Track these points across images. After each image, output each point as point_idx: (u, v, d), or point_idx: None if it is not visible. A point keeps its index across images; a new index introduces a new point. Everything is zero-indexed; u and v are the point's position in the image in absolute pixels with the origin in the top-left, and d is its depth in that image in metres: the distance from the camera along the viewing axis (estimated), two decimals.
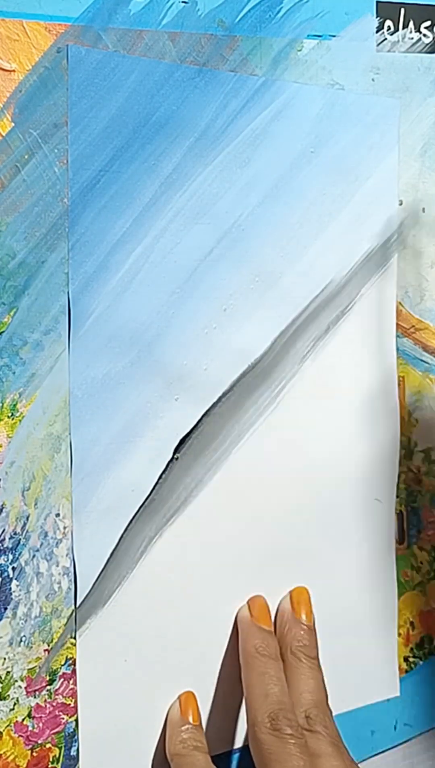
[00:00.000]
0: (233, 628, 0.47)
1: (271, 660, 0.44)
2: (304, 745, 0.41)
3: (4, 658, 0.40)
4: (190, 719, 0.44)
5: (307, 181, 0.47)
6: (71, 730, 0.42)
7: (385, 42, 0.50)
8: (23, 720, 0.41)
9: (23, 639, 0.40)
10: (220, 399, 0.46)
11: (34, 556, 0.40)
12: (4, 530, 0.40)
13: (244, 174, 0.45)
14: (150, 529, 0.44)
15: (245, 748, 0.47)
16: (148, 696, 0.44)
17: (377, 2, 0.50)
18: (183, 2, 0.43)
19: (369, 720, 0.52)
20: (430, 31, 0.52)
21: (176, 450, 0.44)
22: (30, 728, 0.41)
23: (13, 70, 0.39)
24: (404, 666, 0.54)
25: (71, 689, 0.42)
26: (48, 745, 0.41)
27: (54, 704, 0.42)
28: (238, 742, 0.47)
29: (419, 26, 0.51)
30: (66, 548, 0.41)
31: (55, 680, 0.42)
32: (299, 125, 0.47)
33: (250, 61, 0.45)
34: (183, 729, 0.43)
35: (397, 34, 0.51)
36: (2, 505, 0.40)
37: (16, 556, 0.40)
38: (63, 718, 0.42)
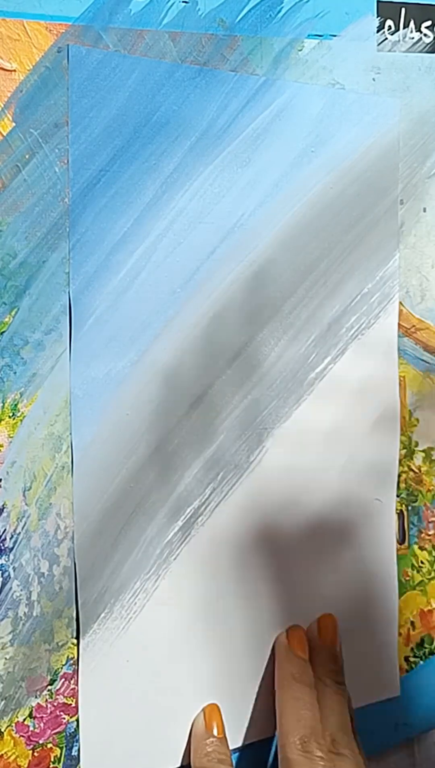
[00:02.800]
0: (233, 627, 0.47)
1: (305, 686, 0.46)
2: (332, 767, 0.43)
3: (6, 658, 0.40)
4: (215, 732, 0.45)
5: (307, 181, 0.47)
6: (72, 730, 0.42)
7: (386, 42, 0.50)
8: (24, 720, 0.41)
9: (24, 639, 0.40)
10: (220, 399, 0.46)
11: (35, 555, 0.40)
12: (5, 530, 0.40)
13: (245, 174, 0.45)
14: (151, 529, 0.44)
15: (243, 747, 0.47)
16: (149, 696, 0.44)
17: (378, 2, 0.50)
18: (183, 2, 0.43)
19: (369, 719, 0.52)
20: (430, 30, 0.52)
21: (179, 450, 0.44)
22: (31, 728, 0.41)
23: (14, 70, 0.39)
24: (405, 666, 0.54)
25: (72, 689, 0.42)
26: (49, 745, 0.41)
27: (55, 704, 0.42)
28: (238, 742, 0.47)
29: (420, 26, 0.51)
30: (67, 548, 0.41)
31: (56, 680, 0.42)
32: (300, 125, 0.47)
33: (250, 60, 0.45)
34: (207, 742, 0.44)
35: (397, 33, 0.51)
36: (3, 505, 0.40)
37: (17, 556, 0.40)
38: (64, 718, 0.42)
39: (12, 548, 0.40)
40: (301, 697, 0.45)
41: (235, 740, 0.47)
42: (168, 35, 0.43)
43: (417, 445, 0.54)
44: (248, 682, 0.48)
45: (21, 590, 0.40)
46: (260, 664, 0.48)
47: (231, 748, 0.46)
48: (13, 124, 0.39)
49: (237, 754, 0.47)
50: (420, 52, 0.52)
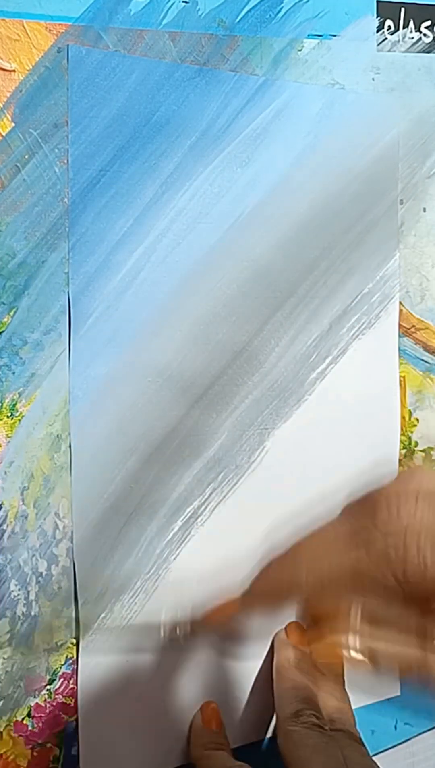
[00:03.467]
0: (233, 627, 0.47)
1: (303, 672, 0.45)
2: (331, 737, 0.42)
3: (4, 658, 0.40)
4: (213, 726, 0.45)
5: (307, 181, 0.47)
6: (71, 729, 0.42)
7: (386, 42, 0.50)
8: (23, 719, 0.41)
9: (23, 638, 0.40)
10: (220, 399, 0.46)
11: (33, 555, 0.40)
12: (2, 530, 0.40)
13: (245, 173, 0.45)
14: (151, 529, 0.44)
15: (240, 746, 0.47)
16: (149, 696, 0.44)
17: (377, 2, 0.50)
18: (183, 2, 0.43)
19: (369, 719, 0.52)
20: (430, 30, 0.52)
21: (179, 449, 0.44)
22: (30, 728, 0.41)
23: (14, 70, 0.39)
24: None
25: (71, 689, 0.42)
26: (48, 745, 0.41)
27: (54, 704, 0.42)
28: (237, 741, 0.47)
29: (419, 26, 0.51)
30: (66, 548, 0.41)
31: (55, 680, 0.42)
32: (300, 124, 0.47)
33: (250, 60, 0.45)
34: (205, 732, 0.45)
35: (397, 33, 0.51)
36: (1, 505, 0.40)
37: (15, 555, 0.40)
38: (63, 718, 0.42)
39: (10, 548, 0.40)
40: (297, 679, 0.45)
41: (237, 740, 0.47)
42: (168, 35, 0.43)
43: (417, 445, 0.54)
44: (249, 681, 0.48)
45: (19, 590, 0.40)
46: (260, 665, 0.48)
47: (232, 747, 0.46)
48: (13, 124, 0.39)
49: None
50: (419, 52, 0.52)
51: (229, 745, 0.44)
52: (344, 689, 0.47)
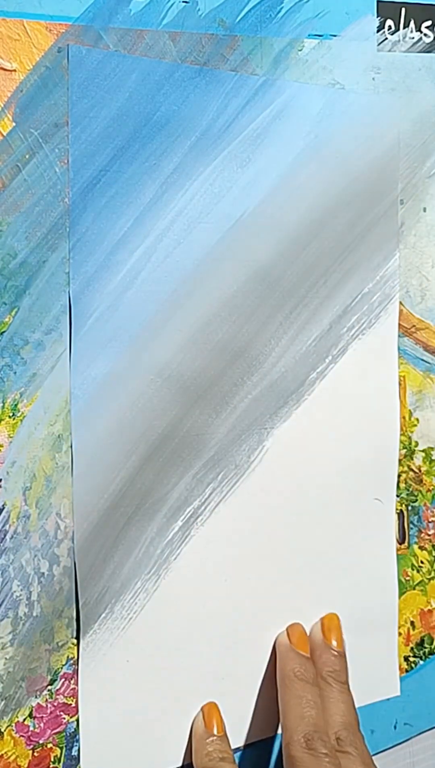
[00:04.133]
0: (233, 627, 0.47)
1: (308, 684, 0.46)
2: (338, 765, 0.43)
3: (5, 658, 0.40)
4: (215, 731, 0.45)
5: (307, 181, 0.47)
6: (72, 730, 0.42)
7: (386, 42, 0.50)
8: (24, 720, 0.41)
9: (24, 639, 0.40)
10: (220, 399, 0.46)
11: (35, 555, 0.40)
12: (5, 530, 0.40)
13: (245, 173, 0.45)
14: (151, 529, 0.44)
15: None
16: (149, 696, 0.44)
17: (378, 2, 0.50)
18: (183, 2, 0.43)
19: (369, 719, 0.52)
20: (430, 30, 0.52)
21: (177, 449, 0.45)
22: (31, 728, 0.41)
23: (14, 70, 0.39)
24: (404, 665, 0.54)
25: (72, 689, 0.42)
26: (49, 745, 0.41)
27: (55, 704, 0.42)
28: (240, 741, 0.47)
29: (420, 26, 0.51)
30: (67, 548, 0.41)
31: (56, 680, 0.42)
32: (300, 125, 0.47)
33: (250, 60, 0.45)
34: (208, 741, 0.44)
35: (397, 33, 0.51)
36: (3, 505, 0.40)
37: (18, 556, 0.40)
38: (64, 718, 0.42)
39: (12, 548, 0.40)
40: (304, 695, 0.45)
41: (237, 740, 0.47)
42: (168, 35, 0.43)
43: (417, 445, 0.54)
44: (249, 681, 0.48)
45: (21, 590, 0.40)
46: (261, 664, 0.48)
47: (233, 747, 0.46)
48: (14, 124, 0.39)
49: (239, 753, 0.47)
50: (420, 51, 0.52)
51: (232, 754, 0.44)
52: (349, 696, 0.47)
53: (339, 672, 0.47)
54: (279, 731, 0.48)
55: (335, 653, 0.48)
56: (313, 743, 0.43)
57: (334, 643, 0.48)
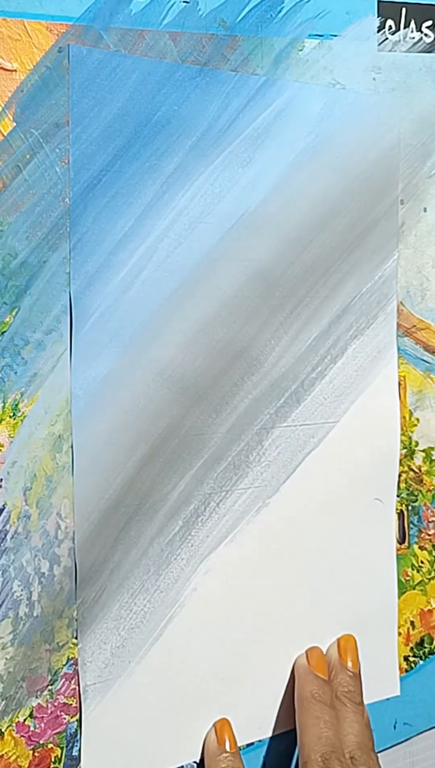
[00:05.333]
0: (231, 626, 0.47)
1: (325, 706, 0.47)
2: None
3: (6, 658, 0.40)
4: (227, 747, 0.46)
5: (308, 181, 0.47)
6: (73, 730, 0.42)
7: (387, 42, 0.50)
8: (25, 720, 0.41)
9: (25, 639, 0.40)
10: (220, 399, 0.46)
11: (36, 555, 0.40)
12: (5, 530, 0.40)
13: (246, 173, 0.45)
14: (151, 529, 0.44)
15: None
16: (151, 696, 0.44)
17: (378, 2, 0.50)
18: (184, 2, 0.43)
19: (369, 719, 0.52)
20: (431, 30, 0.52)
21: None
22: (32, 728, 0.41)
23: (15, 70, 0.39)
24: (404, 665, 0.54)
25: (73, 689, 0.42)
26: (50, 746, 0.41)
27: (56, 704, 0.42)
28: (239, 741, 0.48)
29: (420, 26, 0.51)
30: (68, 548, 0.41)
31: (56, 680, 0.42)
32: (300, 125, 0.47)
33: (251, 60, 0.45)
34: (220, 758, 0.45)
35: (398, 33, 0.51)
36: (4, 505, 0.40)
37: (18, 556, 0.40)
38: (65, 718, 0.42)
39: (13, 548, 0.40)
40: (322, 716, 0.46)
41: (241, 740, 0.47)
42: (168, 35, 0.43)
43: (417, 444, 0.54)
44: (251, 680, 0.48)
45: (22, 590, 0.40)
46: (261, 663, 0.48)
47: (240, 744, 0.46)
48: (14, 123, 0.39)
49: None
50: (420, 51, 0.52)
51: None
52: (363, 716, 0.48)
53: (354, 693, 0.48)
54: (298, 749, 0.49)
55: (351, 674, 0.49)
56: (330, 763, 0.44)
57: (350, 664, 0.50)
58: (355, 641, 0.51)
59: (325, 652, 0.50)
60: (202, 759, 0.46)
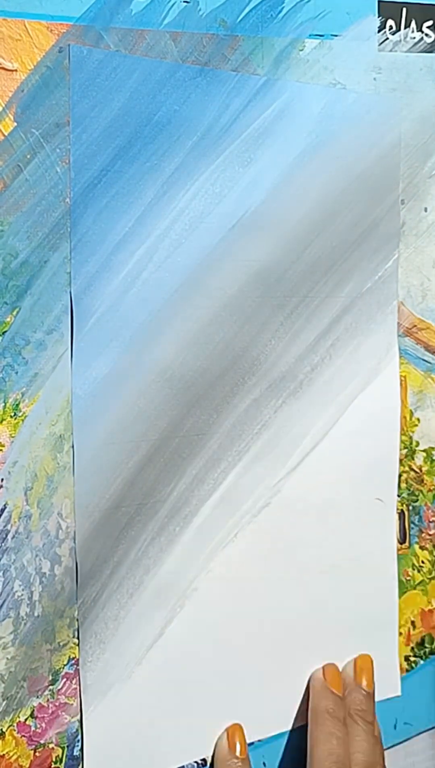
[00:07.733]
0: (231, 625, 0.47)
1: (339, 722, 0.47)
2: None
3: (7, 658, 0.40)
4: (238, 753, 0.46)
5: (309, 181, 0.47)
6: (74, 730, 0.42)
7: (387, 42, 0.50)
8: (26, 720, 0.41)
9: (26, 638, 0.40)
10: (221, 399, 0.46)
11: (36, 555, 0.40)
12: (6, 530, 0.40)
13: (247, 173, 0.45)
14: (152, 529, 0.44)
15: None
16: (151, 696, 0.44)
17: (379, 2, 0.50)
18: (184, 2, 0.43)
19: (381, 736, 0.52)
20: (432, 30, 0.52)
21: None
22: (33, 728, 0.41)
23: (15, 70, 0.39)
24: (405, 665, 0.54)
25: (74, 689, 0.42)
26: (51, 745, 0.41)
27: (57, 704, 0.42)
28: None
29: (421, 26, 0.51)
30: (68, 548, 0.41)
31: (57, 680, 0.42)
32: (301, 125, 0.47)
33: (251, 60, 0.45)
34: (230, 763, 0.46)
35: (399, 33, 0.51)
36: (5, 505, 0.40)
37: (19, 555, 0.40)
38: (66, 718, 0.42)
39: (14, 548, 0.40)
40: (335, 732, 0.47)
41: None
42: (169, 35, 0.43)
43: (418, 444, 0.54)
44: (252, 680, 0.48)
45: (23, 590, 0.40)
46: (259, 662, 0.48)
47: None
48: (15, 123, 0.39)
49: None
50: (421, 52, 0.52)
51: None
52: (373, 735, 0.48)
53: (366, 712, 0.49)
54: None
55: (364, 693, 0.50)
56: None
57: (365, 683, 0.50)
58: (371, 661, 0.51)
59: (341, 671, 0.50)
60: (211, 762, 0.46)
